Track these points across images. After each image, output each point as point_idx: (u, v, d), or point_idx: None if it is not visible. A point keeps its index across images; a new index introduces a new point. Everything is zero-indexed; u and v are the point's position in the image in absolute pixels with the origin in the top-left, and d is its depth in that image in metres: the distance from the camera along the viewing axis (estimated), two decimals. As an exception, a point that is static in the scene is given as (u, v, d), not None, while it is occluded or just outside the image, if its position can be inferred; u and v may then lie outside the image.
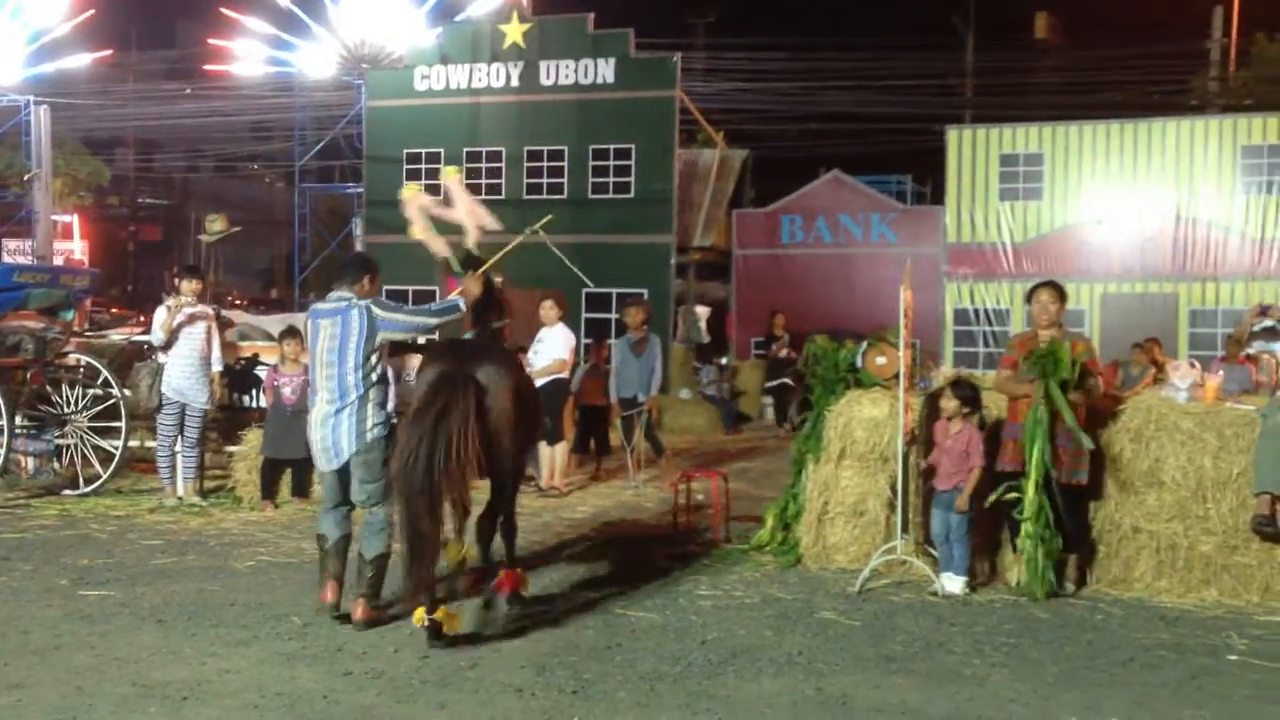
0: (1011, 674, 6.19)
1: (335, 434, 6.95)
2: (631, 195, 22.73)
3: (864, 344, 8.89)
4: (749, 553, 8.94)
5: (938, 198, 23.78)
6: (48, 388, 11.41)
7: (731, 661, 6.34)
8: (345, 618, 6.87)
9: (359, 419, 6.93)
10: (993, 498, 7.79)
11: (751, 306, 22.76)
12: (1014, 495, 7.71)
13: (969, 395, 8.05)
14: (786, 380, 18.47)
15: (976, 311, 21.84)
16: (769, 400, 19.94)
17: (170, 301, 10.87)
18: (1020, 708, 5.68)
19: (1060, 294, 8.10)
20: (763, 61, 30.79)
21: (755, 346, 22.45)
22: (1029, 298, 8.24)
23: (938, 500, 7.99)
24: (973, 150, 21.85)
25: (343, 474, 7.05)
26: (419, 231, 7.59)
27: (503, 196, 23.21)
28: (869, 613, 7.36)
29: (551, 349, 12.04)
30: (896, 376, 8.27)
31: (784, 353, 18.96)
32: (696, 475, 10.48)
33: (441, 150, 23.61)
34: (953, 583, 7.81)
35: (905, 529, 8.14)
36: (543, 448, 12.03)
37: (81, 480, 11.19)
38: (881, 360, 8.68)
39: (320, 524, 7.17)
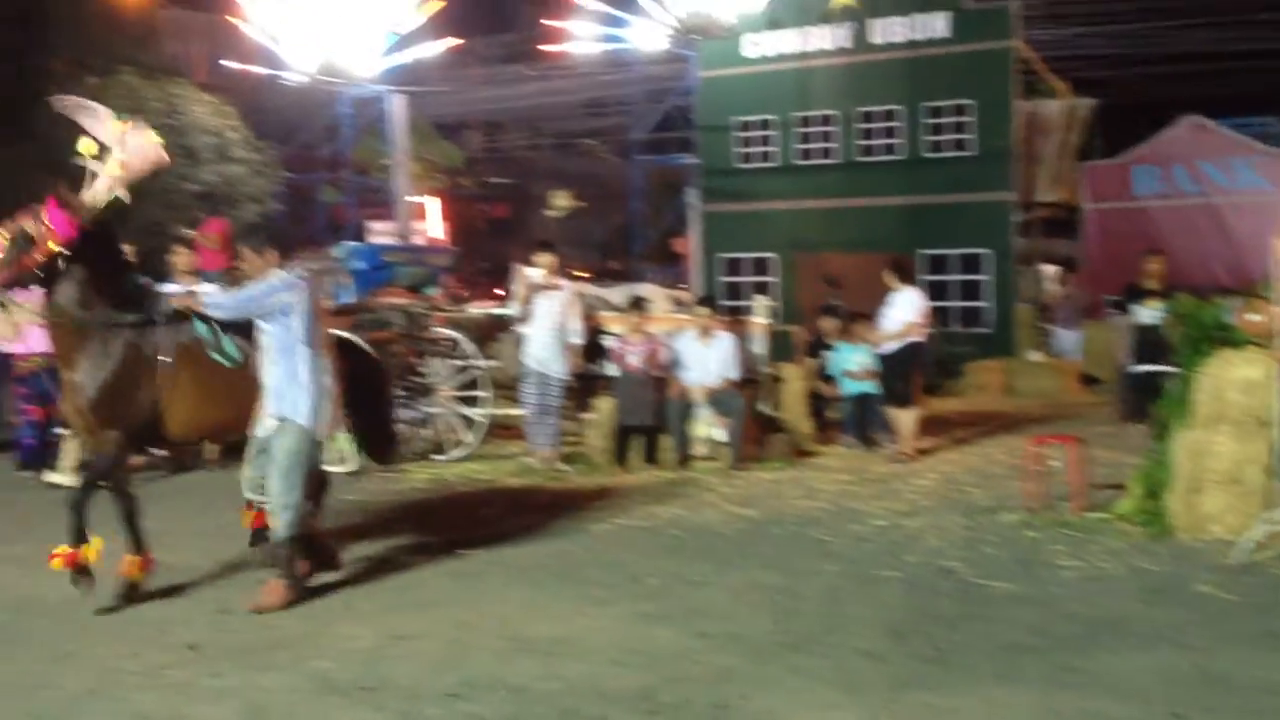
0: None
1: None
2: (969, 152, 21.98)
3: (1234, 300, 8.32)
4: (1111, 522, 8.51)
5: (1313, 138, 21.79)
6: (416, 360, 12.16)
7: (1098, 635, 6.07)
8: None
9: None
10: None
11: (1103, 263, 21.58)
12: None
13: None
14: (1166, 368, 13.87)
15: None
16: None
17: (525, 276, 11.38)
18: None
19: None
20: (1108, 2, 29.05)
21: (1109, 306, 21.27)
22: None
23: None
24: (1354, 83, 19.91)
25: None
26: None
27: (837, 160, 22.99)
28: (1249, 586, 6.87)
29: (900, 312, 11.86)
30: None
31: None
32: (1050, 440, 10.05)
33: (774, 116, 23.60)
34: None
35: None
36: (893, 411, 11.92)
37: (449, 446, 11.89)
38: (1255, 317, 8.09)
39: None
